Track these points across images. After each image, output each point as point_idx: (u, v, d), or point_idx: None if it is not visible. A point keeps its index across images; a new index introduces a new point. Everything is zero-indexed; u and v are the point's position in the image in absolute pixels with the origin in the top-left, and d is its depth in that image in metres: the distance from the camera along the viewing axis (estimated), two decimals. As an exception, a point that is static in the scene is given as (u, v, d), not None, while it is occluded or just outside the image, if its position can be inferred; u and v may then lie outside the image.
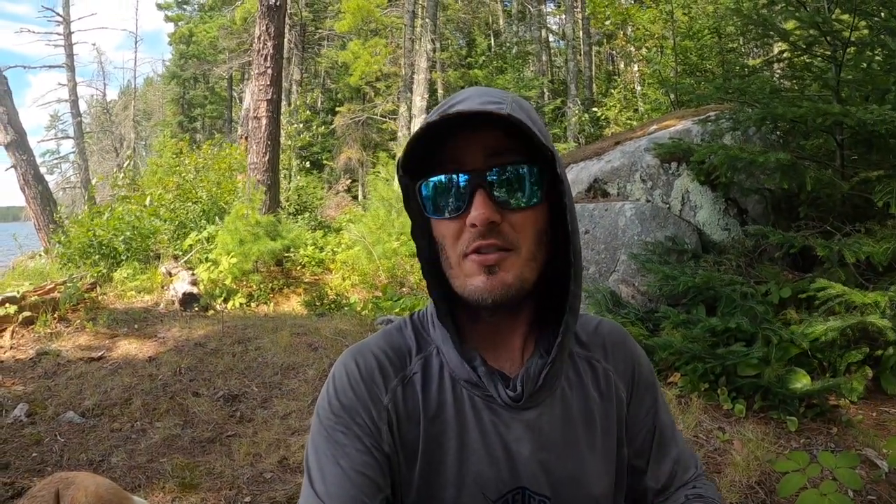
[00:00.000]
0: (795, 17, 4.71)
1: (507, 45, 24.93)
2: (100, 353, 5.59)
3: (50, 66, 25.16)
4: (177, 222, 9.88)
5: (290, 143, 16.71)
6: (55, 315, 6.46)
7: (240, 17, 23.89)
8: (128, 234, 9.09)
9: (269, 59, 10.18)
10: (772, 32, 5.31)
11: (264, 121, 10.22)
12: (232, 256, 8.09)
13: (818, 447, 3.30)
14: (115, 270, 8.60)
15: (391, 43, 23.37)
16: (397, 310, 7.48)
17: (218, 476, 3.47)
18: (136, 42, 50.12)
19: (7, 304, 6.09)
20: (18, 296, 6.31)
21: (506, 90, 1.00)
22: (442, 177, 0.87)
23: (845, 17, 4.66)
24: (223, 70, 28.04)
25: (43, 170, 15.34)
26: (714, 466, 3.22)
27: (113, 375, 5.04)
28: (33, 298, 6.42)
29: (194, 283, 7.95)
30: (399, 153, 1.44)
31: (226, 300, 7.92)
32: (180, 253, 9.22)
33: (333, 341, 5.95)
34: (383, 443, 0.91)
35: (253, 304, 8.07)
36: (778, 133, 5.46)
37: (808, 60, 5.10)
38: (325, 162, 24.97)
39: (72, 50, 24.96)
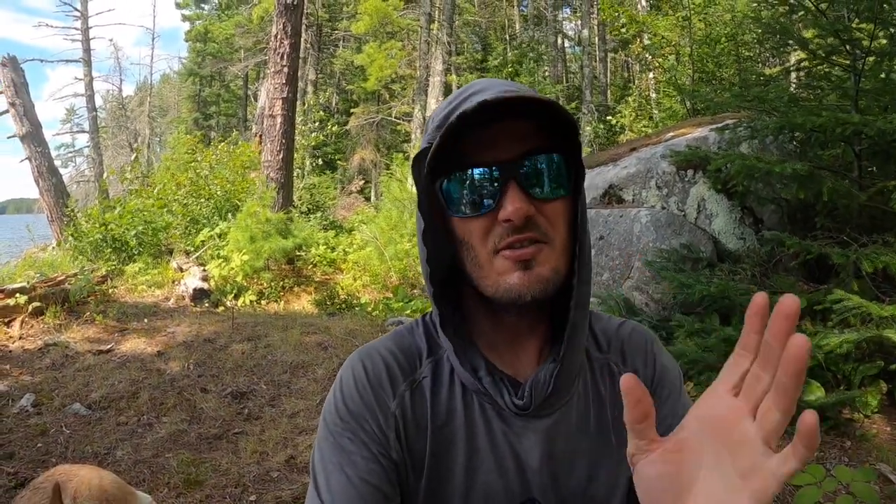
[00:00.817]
0: (816, 24, 4.67)
1: (523, 47, 24.90)
2: (108, 346, 5.60)
3: (67, 61, 25.29)
4: (189, 218, 9.92)
5: (303, 142, 16.74)
6: (65, 307, 6.47)
7: (256, 16, 23.98)
8: (140, 228, 9.13)
9: (285, 57, 10.19)
10: (791, 41, 5.27)
11: (279, 119, 10.23)
12: (244, 253, 8.09)
13: (831, 461, 3.26)
14: (128, 265, 8.64)
15: (407, 45, 23.42)
16: (408, 311, 7.46)
17: (224, 473, 3.46)
18: (153, 38, 50.97)
19: (17, 295, 6.09)
20: (28, 286, 6.32)
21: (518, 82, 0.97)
22: (472, 171, 0.82)
23: (864, 25, 4.61)
24: (239, 68, 28.18)
25: (57, 163, 15.49)
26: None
27: (121, 369, 5.05)
28: (43, 289, 6.43)
29: (205, 279, 7.97)
30: (412, 153, 1.39)
31: (236, 297, 7.93)
32: (192, 248, 9.24)
33: (344, 341, 5.93)
34: (391, 450, 0.87)
35: (263, 302, 8.08)
36: (795, 142, 5.41)
37: (827, 70, 5.05)
38: (338, 163, 25.02)
39: (89, 45, 25.19)
